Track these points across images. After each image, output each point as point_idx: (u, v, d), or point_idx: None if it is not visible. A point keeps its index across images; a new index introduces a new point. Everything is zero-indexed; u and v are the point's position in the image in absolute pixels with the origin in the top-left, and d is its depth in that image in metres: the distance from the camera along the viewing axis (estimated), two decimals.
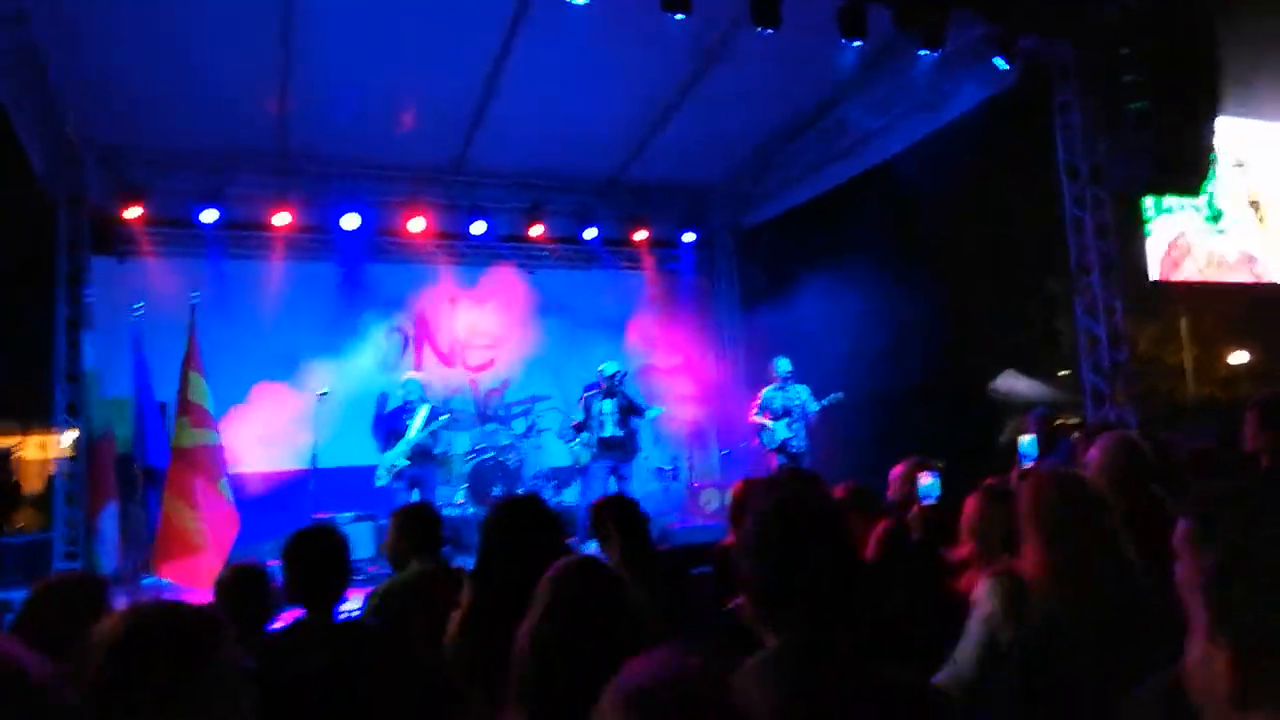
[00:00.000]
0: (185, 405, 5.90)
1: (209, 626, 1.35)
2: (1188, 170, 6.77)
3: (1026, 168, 8.54)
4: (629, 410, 8.47)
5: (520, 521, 2.33)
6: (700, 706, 0.83)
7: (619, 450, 8.46)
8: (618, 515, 3.38)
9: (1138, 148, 6.74)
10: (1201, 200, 8.48)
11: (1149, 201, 8.05)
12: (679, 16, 6.53)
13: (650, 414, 8.68)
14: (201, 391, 5.98)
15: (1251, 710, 0.93)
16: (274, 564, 3.13)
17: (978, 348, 10.75)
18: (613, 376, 8.45)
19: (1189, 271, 8.44)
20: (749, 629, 2.62)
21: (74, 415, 8.53)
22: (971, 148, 8.07)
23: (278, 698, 2.20)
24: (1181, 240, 8.47)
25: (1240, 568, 1.00)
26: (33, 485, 10.84)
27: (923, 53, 7.50)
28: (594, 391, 8.54)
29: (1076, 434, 5.26)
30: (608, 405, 8.42)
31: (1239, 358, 16.48)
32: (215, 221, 9.43)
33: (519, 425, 10.43)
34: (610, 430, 8.40)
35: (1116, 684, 1.94)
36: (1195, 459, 3.40)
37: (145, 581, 5.66)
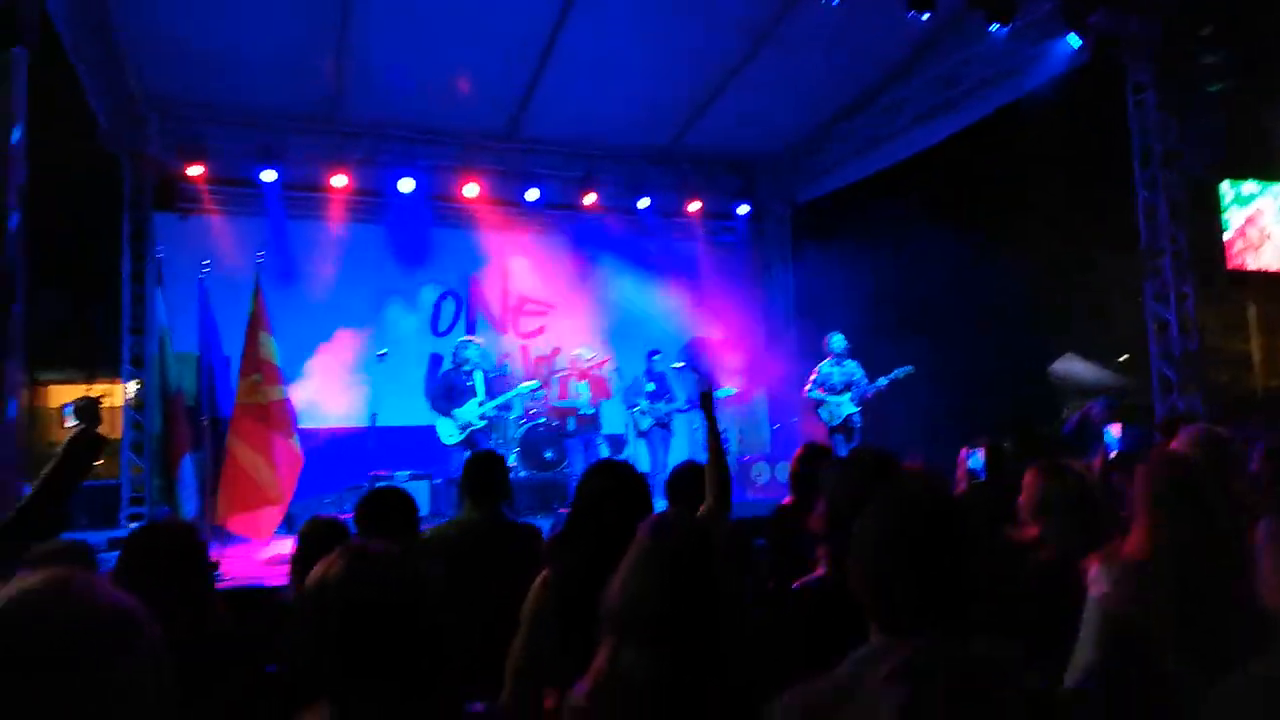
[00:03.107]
0: (256, 363, 6.04)
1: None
2: (1267, 154, 6.54)
3: (1096, 147, 8.30)
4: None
5: (614, 486, 2.39)
6: None
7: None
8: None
9: (1215, 130, 6.52)
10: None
11: (1226, 185, 7.80)
12: None
13: (720, 394, 9.28)
14: (271, 349, 6.12)
15: None
16: (344, 517, 3.23)
17: (1037, 328, 10.54)
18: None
19: (1268, 258, 8.17)
20: (809, 613, 2.61)
21: (138, 367, 8.79)
22: (1039, 125, 7.86)
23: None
24: (1259, 225, 8.20)
25: None
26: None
27: (992, 28, 7.32)
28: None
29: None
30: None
31: None
32: (274, 182, 9.55)
33: None
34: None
35: (1205, 668, 1.93)
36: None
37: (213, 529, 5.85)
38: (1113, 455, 3.63)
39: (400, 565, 1.43)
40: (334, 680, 1.33)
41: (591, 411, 9.35)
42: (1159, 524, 2.13)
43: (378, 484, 7.62)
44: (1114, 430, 3.82)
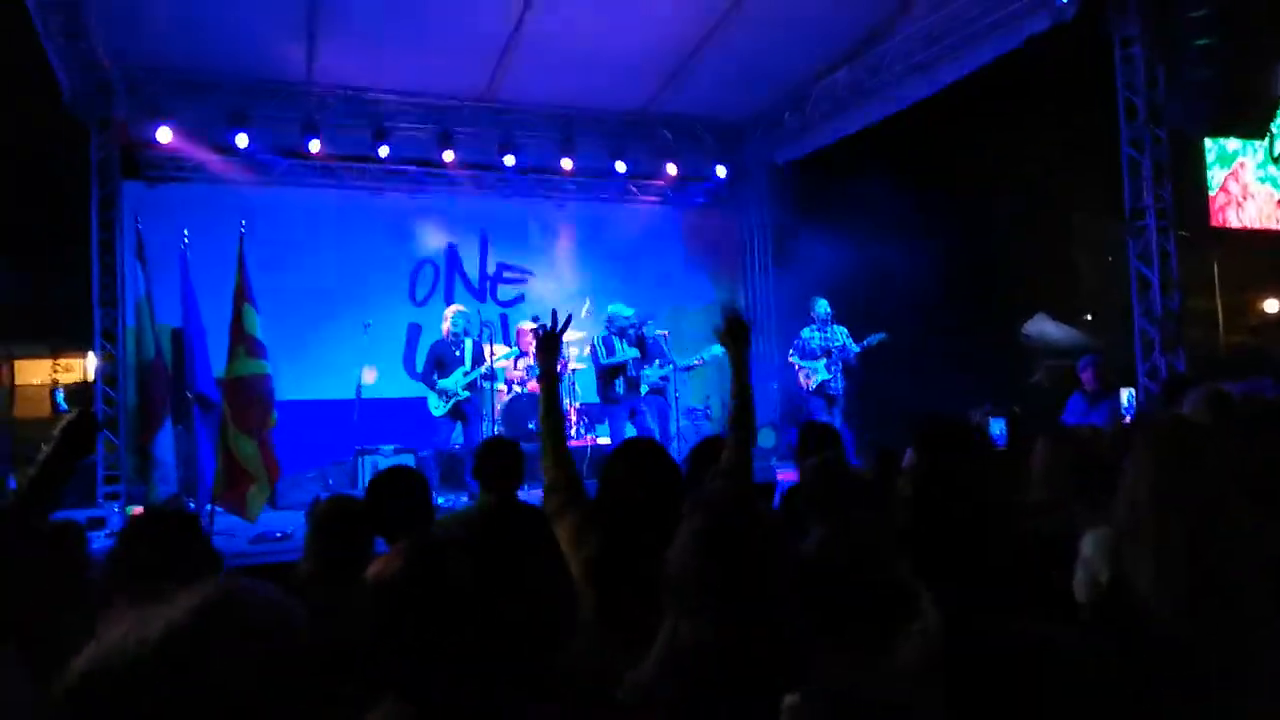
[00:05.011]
0: (240, 335, 5.88)
1: None
2: (1253, 111, 6.55)
3: (1077, 103, 8.29)
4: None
5: (646, 463, 2.36)
6: None
7: (635, 391, 8.46)
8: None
9: (1201, 86, 6.52)
10: (1262, 143, 8.23)
11: (1209, 143, 7.82)
12: None
13: (709, 353, 8.63)
14: (253, 322, 5.96)
15: None
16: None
17: (1016, 289, 10.61)
18: (628, 319, 8.47)
19: (1250, 215, 8.24)
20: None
21: (109, 341, 8.55)
22: (1023, 82, 7.81)
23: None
24: (1241, 183, 8.25)
25: None
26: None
27: None
28: (611, 332, 8.51)
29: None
30: (626, 346, 8.41)
31: (1271, 305, 16.31)
32: (247, 148, 9.31)
33: None
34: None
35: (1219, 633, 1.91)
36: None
37: (203, 508, 5.72)
38: (1128, 420, 3.65)
39: (460, 557, 1.42)
40: (409, 677, 1.30)
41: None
42: (1157, 489, 2.08)
43: (366, 458, 7.62)
44: (1126, 393, 3.83)
